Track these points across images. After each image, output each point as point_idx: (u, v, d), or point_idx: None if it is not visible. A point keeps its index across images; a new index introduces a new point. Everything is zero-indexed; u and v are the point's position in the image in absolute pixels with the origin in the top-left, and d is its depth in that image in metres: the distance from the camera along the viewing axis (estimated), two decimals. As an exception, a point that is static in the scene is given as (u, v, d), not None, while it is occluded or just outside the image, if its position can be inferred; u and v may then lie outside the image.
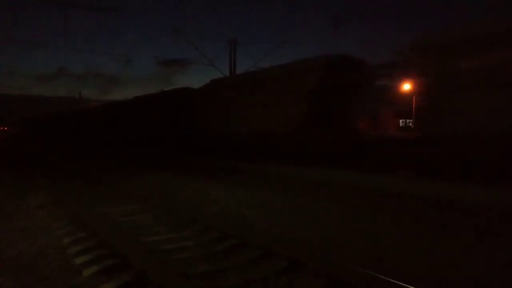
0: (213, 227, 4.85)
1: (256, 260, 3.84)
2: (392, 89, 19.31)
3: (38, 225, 5.18)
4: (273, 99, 12.88)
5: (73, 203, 6.22)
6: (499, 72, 7.83)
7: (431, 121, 9.19)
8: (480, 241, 4.41)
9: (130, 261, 3.60)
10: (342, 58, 11.72)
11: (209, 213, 5.94)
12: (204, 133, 16.63)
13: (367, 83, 12.12)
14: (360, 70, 11.89)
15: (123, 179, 10.02)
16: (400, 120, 20.73)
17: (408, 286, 2.95)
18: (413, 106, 15.69)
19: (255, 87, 13.88)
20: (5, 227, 5.04)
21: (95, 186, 8.74)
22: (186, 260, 3.82)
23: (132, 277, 3.29)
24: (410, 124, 19.00)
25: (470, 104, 8.27)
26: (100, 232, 4.53)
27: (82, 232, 4.66)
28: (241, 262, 3.76)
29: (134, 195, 7.32)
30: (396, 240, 4.45)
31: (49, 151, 24.20)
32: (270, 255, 3.89)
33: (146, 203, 6.57)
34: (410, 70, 13.67)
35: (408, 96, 18.13)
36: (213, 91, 16.31)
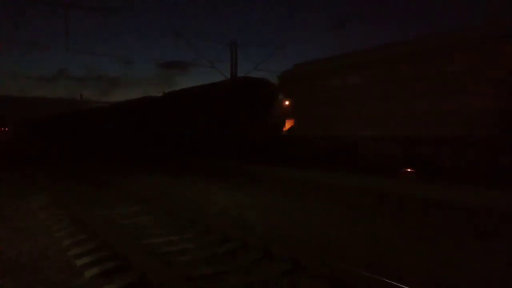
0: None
1: (257, 261, 3.84)
2: None
3: (39, 226, 5.18)
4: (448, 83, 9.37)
5: (74, 204, 6.21)
6: None
7: None
8: (480, 241, 4.41)
9: (131, 262, 3.61)
10: None
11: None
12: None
13: None
14: None
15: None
16: None
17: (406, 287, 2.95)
18: None
19: (401, 68, 10.25)
20: (5, 227, 5.04)
21: (95, 186, 8.73)
22: (186, 262, 3.81)
23: (133, 278, 3.29)
24: None
25: None
26: (101, 233, 4.53)
27: (82, 234, 4.66)
28: (241, 263, 3.76)
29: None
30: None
31: (49, 151, 24.18)
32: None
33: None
34: None
35: None
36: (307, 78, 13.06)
